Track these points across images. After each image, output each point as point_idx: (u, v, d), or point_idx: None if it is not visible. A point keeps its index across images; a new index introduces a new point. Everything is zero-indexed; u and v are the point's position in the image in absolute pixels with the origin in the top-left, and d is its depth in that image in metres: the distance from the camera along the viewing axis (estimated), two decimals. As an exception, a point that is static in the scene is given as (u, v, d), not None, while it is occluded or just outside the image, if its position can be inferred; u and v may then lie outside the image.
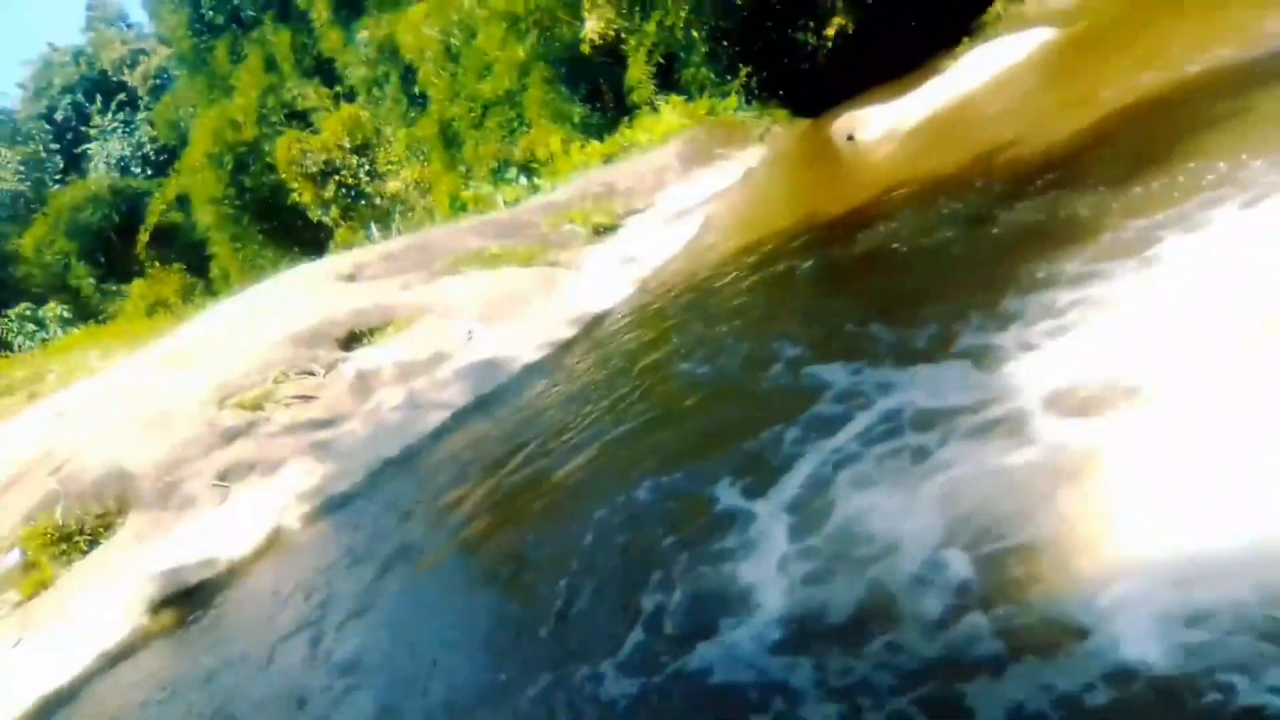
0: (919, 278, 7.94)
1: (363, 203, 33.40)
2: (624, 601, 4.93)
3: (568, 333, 11.67)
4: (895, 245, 8.89)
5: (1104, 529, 3.72)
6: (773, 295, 9.51)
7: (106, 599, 9.19)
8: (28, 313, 34.78)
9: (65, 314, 35.22)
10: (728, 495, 5.41)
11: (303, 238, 35.03)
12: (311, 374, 12.38)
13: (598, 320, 11.89)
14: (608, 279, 13.63)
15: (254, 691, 6.15)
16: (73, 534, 10.53)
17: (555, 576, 5.54)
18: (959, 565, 3.90)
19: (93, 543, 10.51)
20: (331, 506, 9.56)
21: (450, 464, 9.00)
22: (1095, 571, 3.54)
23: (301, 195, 33.85)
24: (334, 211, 33.70)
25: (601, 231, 17.17)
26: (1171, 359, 4.51)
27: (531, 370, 10.90)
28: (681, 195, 19.12)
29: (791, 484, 5.13)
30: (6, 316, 34.33)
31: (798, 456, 5.40)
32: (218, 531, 9.74)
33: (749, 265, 10.86)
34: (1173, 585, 3.31)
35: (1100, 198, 7.15)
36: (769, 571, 4.51)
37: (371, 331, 13.49)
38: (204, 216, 37.42)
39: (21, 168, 49.44)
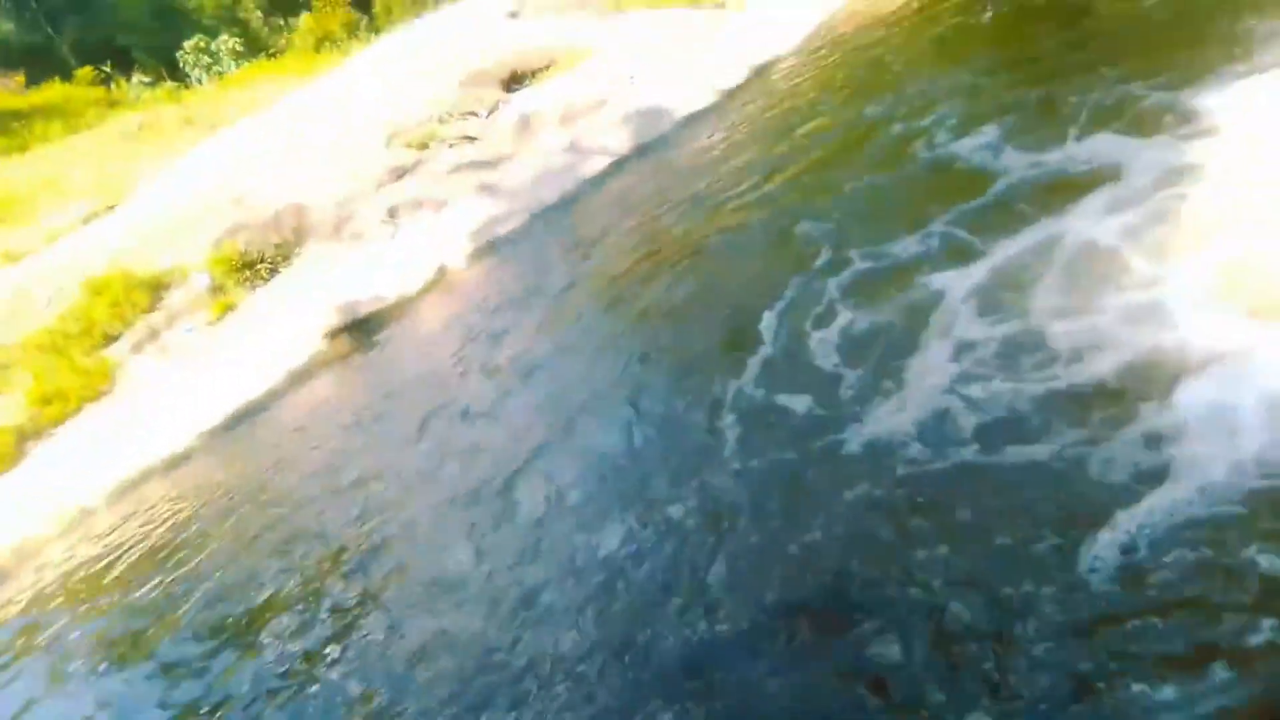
0: (1111, 32, 7.12)
1: (524, -65, 32.15)
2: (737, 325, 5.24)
3: (733, 80, 11.15)
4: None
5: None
6: (951, 43, 8.75)
7: (289, 324, 9.81)
8: (202, 45, 35.53)
9: (238, 47, 35.82)
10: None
11: (464, -27, 34.19)
12: (475, 115, 12.38)
13: (765, 67, 11.28)
14: (778, 23, 12.85)
15: (422, 405, 6.55)
16: (254, 262, 11.17)
17: (689, 313, 5.88)
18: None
19: (273, 271, 11.13)
20: (495, 246, 9.77)
21: (608, 211, 8.96)
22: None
23: (463, -74, 32.78)
24: (495, -56, 32.62)
25: (774, -30, 16.09)
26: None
27: (694, 118, 10.56)
28: (863, -70, 17.62)
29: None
30: (182, 49, 35.22)
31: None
32: (388, 266, 10.14)
33: (931, 9, 9.99)
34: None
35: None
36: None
37: (534, 73, 13.28)
38: (365, -51, 36.82)
39: (188, -105, 49.26)
